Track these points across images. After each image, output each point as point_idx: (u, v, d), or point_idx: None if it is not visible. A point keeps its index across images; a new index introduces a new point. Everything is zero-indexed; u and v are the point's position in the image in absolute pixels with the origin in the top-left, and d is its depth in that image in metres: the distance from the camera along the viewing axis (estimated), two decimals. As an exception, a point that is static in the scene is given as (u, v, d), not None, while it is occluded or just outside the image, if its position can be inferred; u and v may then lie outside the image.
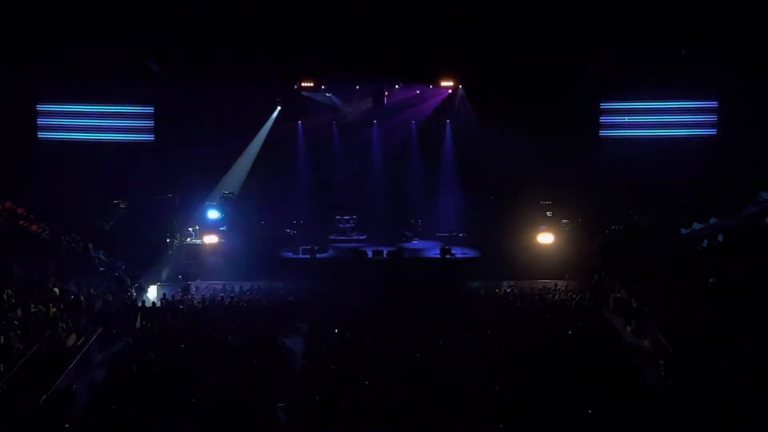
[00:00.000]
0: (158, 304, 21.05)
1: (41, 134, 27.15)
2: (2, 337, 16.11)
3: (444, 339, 17.87)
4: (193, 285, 23.46)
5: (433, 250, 26.91)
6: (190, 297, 21.97)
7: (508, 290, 22.63)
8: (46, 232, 23.34)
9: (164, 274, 24.43)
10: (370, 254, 26.35)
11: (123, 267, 23.62)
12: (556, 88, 25.99)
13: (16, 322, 17.10)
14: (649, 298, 20.39)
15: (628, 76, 26.24)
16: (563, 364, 16.03)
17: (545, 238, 25.24)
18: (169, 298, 21.47)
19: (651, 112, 27.41)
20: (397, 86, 27.76)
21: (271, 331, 18.66)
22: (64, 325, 17.94)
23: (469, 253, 26.57)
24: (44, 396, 14.74)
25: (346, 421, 13.78)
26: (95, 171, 26.16)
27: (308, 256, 26.01)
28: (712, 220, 23.08)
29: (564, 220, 26.45)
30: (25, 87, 25.83)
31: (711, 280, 19.41)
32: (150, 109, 27.55)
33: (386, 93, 27.61)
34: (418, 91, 28.25)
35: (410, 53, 24.70)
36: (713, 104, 27.09)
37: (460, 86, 27.65)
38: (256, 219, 27.38)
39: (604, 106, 27.60)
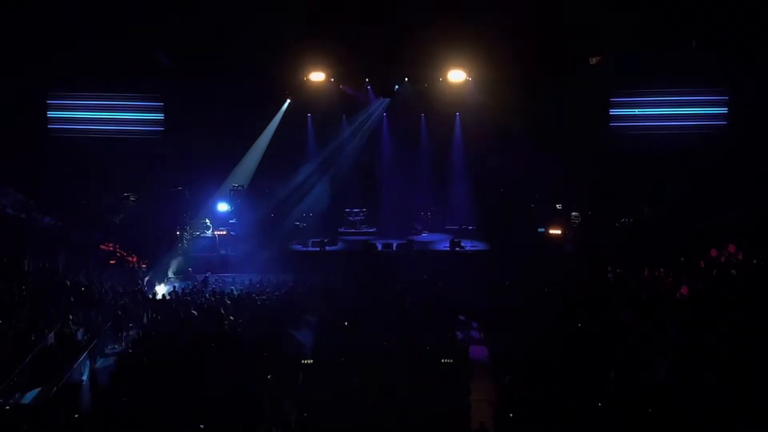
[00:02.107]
0: (168, 297, 21.10)
1: (52, 128, 27.25)
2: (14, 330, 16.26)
3: (453, 331, 17.92)
4: (202, 277, 23.54)
5: (442, 243, 26.91)
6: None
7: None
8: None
9: (175, 267, 24.52)
10: (379, 247, 26.38)
11: (133, 260, 23.73)
12: (566, 80, 25.89)
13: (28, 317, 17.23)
14: (660, 290, 20.35)
15: (638, 68, 26.09)
16: (573, 357, 15.99)
17: (555, 230, 25.20)
18: (179, 291, 21.51)
19: (661, 104, 27.25)
20: (406, 79, 27.69)
21: (281, 323, 18.70)
22: (75, 318, 18.03)
23: (478, 245, 26.55)
24: (55, 388, 14.82)
25: (355, 414, 13.79)
26: (105, 164, 26.26)
27: (318, 249, 26.07)
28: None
29: (573, 213, 26.39)
30: (35, 81, 25.91)
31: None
32: (159, 103, 27.60)
33: (396, 86, 27.62)
34: (426, 85, 28.16)
35: (419, 46, 24.65)
36: (723, 97, 26.91)
37: (470, 79, 27.53)
38: (265, 212, 27.41)
39: (614, 99, 27.45)
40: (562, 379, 14.84)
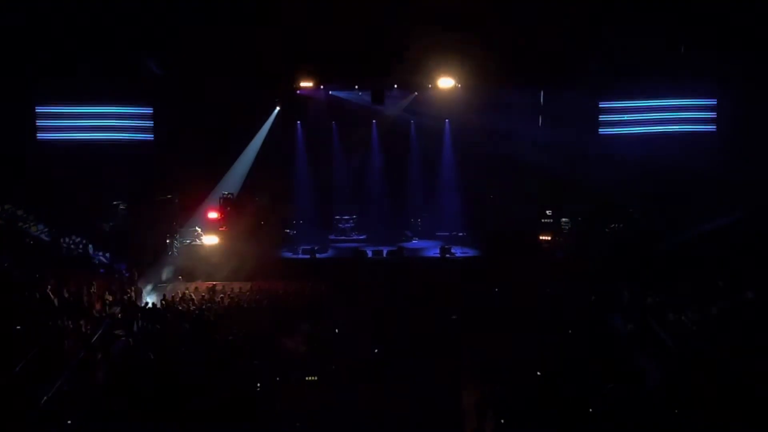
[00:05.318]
0: (158, 305, 21.02)
1: (40, 135, 27.07)
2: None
3: (445, 338, 17.95)
4: (192, 286, 23.47)
5: (433, 250, 26.98)
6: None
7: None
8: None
9: (164, 275, 24.44)
10: (369, 254, 26.41)
11: (123, 268, 23.65)
12: (555, 86, 26.02)
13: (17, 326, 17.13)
14: (651, 296, 20.46)
15: (626, 74, 26.22)
16: (564, 364, 16.04)
17: (544, 236, 25.25)
18: (170, 300, 21.41)
19: (650, 110, 27.36)
20: (395, 86, 27.70)
21: (271, 331, 18.68)
22: (64, 327, 17.93)
23: (468, 252, 26.62)
24: (45, 398, 14.75)
25: (346, 421, 13.79)
26: (95, 172, 26.10)
27: (308, 256, 26.06)
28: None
29: (563, 219, 26.48)
30: (24, 88, 25.79)
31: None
32: (149, 110, 27.45)
33: (388, 94, 27.63)
34: (416, 93, 28.23)
35: (406, 53, 24.67)
36: (712, 101, 27.04)
37: (459, 85, 27.56)
38: (255, 219, 27.33)
39: (602, 104, 27.53)
40: (553, 385, 14.90)
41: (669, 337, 17.92)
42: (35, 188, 24.94)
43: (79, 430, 13.68)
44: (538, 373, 15.67)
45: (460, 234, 28.20)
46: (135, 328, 19.57)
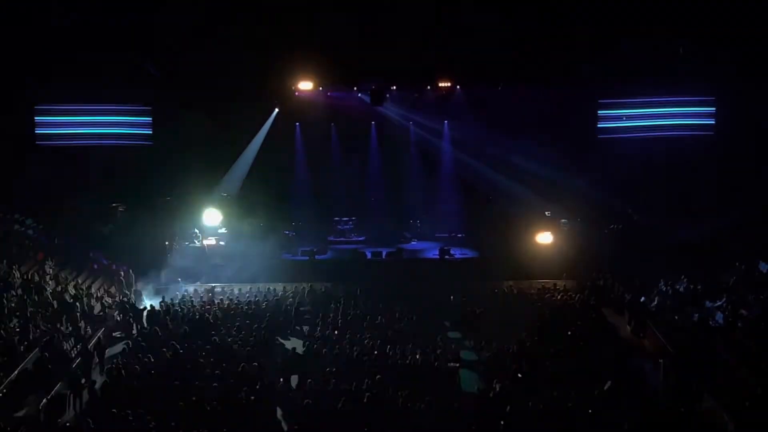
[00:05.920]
0: (157, 306, 21.01)
1: (39, 137, 27.05)
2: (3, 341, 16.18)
3: (443, 339, 17.98)
4: (192, 288, 23.46)
5: (432, 251, 26.93)
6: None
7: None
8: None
9: (163, 277, 24.39)
10: (369, 255, 26.39)
11: (122, 270, 23.63)
12: (553, 87, 26.00)
13: (17, 329, 17.14)
14: (649, 297, 20.49)
15: (625, 75, 26.21)
16: (563, 364, 16.04)
17: (544, 237, 25.20)
18: (169, 302, 21.38)
19: (648, 111, 27.37)
20: (393, 87, 27.67)
21: (271, 332, 18.67)
22: (64, 329, 17.93)
23: (467, 253, 26.60)
24: (44, 399, 14.74)
25: (345, 423, 13.78)
26: (94, 174, 26.10)
27: (307, 258, 26.02)
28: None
29: (562, 220, 26.47)
30: (23, 90, 25.77)
31: None
32: (148, 112, 27.45)
33: (387, 95, 27.61)
34: (416, 95, 28.22)
35: (407, 55, 24.67)
36: (710, 102, 27.07)
37: (458, 86, 27.55)
38: (254, 221, 27.32)
39: (602, 106, 27.56)
40: (552, 386, 14.90)
41: (669, 337, 17.93)
42: (34, 190, 24.92)
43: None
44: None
45: (459, 235, 28.15)
46: (134, 331, 19.57)
